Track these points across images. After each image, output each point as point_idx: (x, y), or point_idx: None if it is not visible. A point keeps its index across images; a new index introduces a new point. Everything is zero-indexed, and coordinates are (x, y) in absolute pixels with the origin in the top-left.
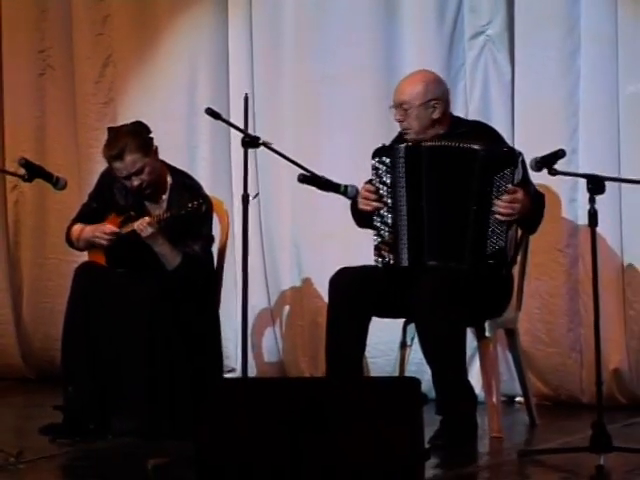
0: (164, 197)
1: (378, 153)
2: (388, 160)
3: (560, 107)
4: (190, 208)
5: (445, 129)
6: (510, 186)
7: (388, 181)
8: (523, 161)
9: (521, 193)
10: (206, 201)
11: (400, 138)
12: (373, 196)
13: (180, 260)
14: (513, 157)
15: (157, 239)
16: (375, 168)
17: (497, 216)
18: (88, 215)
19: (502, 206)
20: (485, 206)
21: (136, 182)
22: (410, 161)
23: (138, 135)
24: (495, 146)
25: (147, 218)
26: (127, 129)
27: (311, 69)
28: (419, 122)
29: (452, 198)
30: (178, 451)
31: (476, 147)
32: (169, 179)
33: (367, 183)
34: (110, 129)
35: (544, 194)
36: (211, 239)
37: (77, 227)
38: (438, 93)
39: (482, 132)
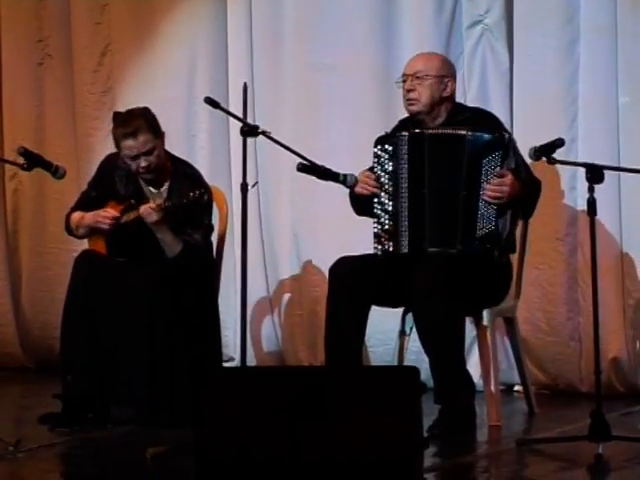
0: (165, 185)
1: (380, 141)
2: (390, 148)
3: (559, 96)
4: (192, 197)
5: (448, 113)
6: (498, 169)
7: (390, 169)
8: (515, 147)
9: (509, 177)
10: (207, 191)
11: (401, 126)
12: (372, 182)
13: (181, 248)
14: (501, 142)
15: (161, 225)
16: (377, 156)
17: (485, 199)
18: (87, 203)
19: (490, 189)
20: (474, 190)
21: (144, 163)
22: (413, 149)
23: (150, 118)
24: (483, 131)
25: (151, 204)
26: (140, 111)
27: (310, 58)
28: (430, 93)
29: (448, 184)
30: (177, 439)
31: (463, 132)
32: (170, 167)
33: (368, 170)
34: (118, 112)
35: (540, 180)
36: (211, 228)
37: (76, 214)
38: (452, 72)
39: (483, 118)
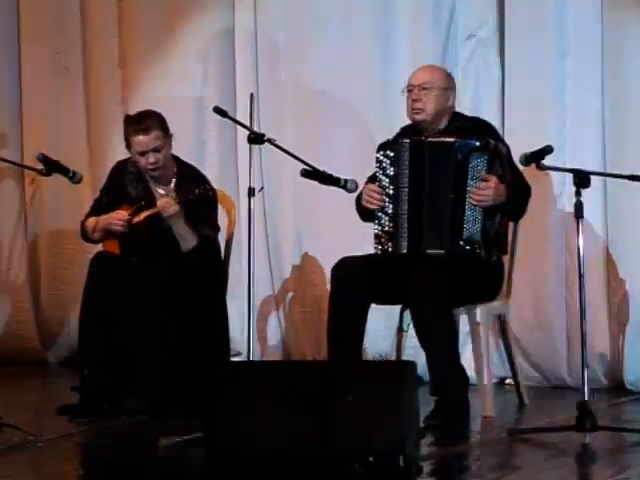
0: (172, 185)
1: (383, 147)
2: (392, 154)
3: (548, 106)
4: (198, 193)
5: (448, 121)
6: (483, 174)
7: (391, 173)
8: (502, 154)
9: (494, 180)
10: (212, 188)
11: (402, 134)
12: (376, 196)
13: (197, 241)
14: (487, 148)
15: (179, 218)
16: (379, 161)
17: (471, 202)
18: (100, 210)
19: (475, 193)
20: (460, 193)
21: (152, 159)
22: (413, 155)
23: (161, 119)
24: (470, 138)
25: (168, 198)
26: (151, 112)
27: (312, 70)
28: (436, 104)
29: (440, 188)
30: (188, 430)
31: (451, 139)
32: (176, 169)
33: (371, 181)
34: (129, 115)
35: (529, 185)
36: (217, 225)
37: (91, 220)
38: (454, 85)
39: (480, 127)
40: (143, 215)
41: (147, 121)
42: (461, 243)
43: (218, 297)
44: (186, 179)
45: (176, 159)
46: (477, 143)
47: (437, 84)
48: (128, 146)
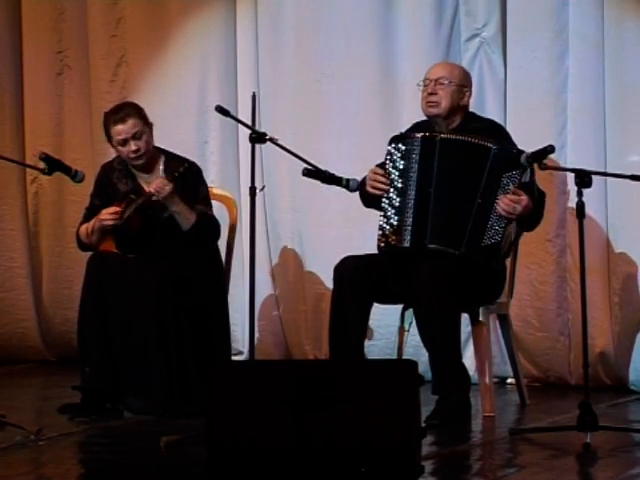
0: (159, 174)
1: (395, 140)
2: (404, 147)
3: (550, 105)
4: (183, 170)
5: (461, 120)
6: (514, 187)
7: (401, 167)
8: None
9: (525, 197)
10: (195, 164)
11: (414, 129)
12: (380, 178)
13: (195, 218)
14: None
15: (174, 197)
16: (390, 153)
17: (498, 210)
18: (93, 216)
19: (504, 206)
20: (489, 201)
21: (133, 147)
22: (424, 150)
23: (139, 108)
24: (508, 147)
25: (161, 178)
26: (128, 102)
27: (312, 68)
28: (450, 99)
29: (460, 189)
30: (190, 429)
31: (490, 145)
32: (161, 159)
33: (377, 166)
34: (106, 111)
35: (545, 193)
36: (209, 201)
37: (83, 226)
38: (470, 83)
39: (494, 130)
40: (134, 206)
41: (123, 110)
42: (478, 250)
43: (219, 296)
44: (171, 164)
45: (161, 150)
46: (514, 153)
47: (454, 80)
48: (110, 141)
